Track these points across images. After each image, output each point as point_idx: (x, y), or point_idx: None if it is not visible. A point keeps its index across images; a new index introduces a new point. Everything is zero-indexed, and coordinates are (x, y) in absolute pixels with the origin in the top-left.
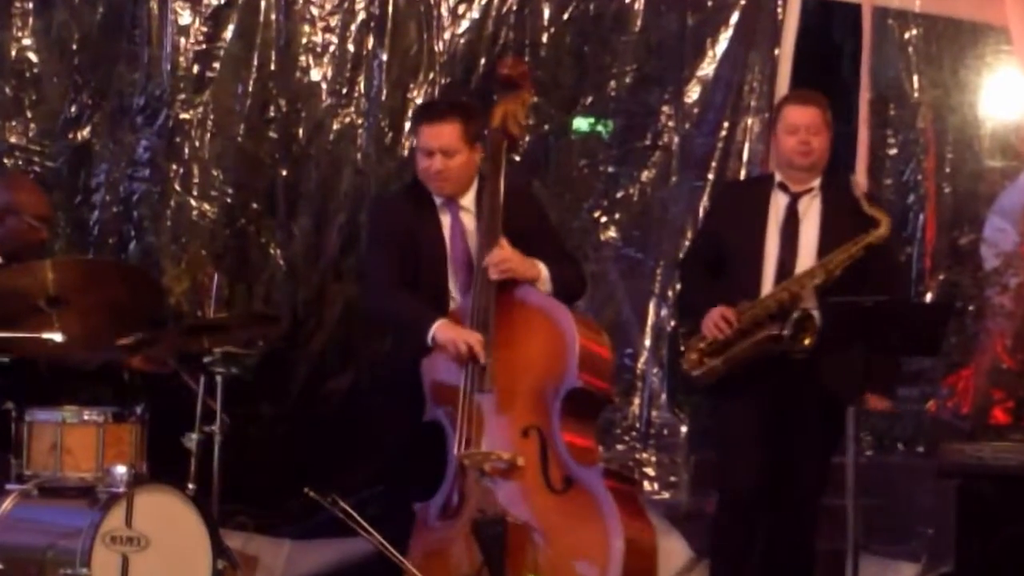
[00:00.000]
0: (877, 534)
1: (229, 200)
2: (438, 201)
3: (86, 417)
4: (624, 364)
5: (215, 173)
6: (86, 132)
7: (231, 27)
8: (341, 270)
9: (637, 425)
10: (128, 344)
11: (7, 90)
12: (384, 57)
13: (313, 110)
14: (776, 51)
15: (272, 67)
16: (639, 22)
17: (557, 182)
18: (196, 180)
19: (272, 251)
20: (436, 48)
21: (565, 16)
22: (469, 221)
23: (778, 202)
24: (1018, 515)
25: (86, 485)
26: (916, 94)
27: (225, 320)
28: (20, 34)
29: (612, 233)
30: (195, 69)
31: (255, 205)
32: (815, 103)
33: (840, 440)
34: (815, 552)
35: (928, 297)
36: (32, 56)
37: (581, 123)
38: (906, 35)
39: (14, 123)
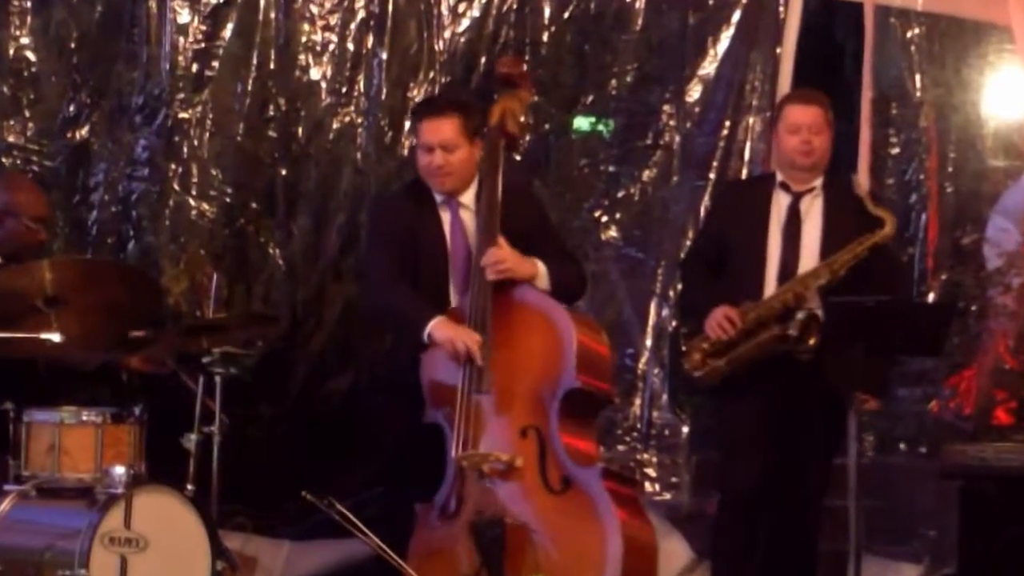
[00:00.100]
0: (879, 535)
1: (228, 200)
2: (438, 199)
3: (84, 418)
4: (625, 364)
5: (214, 172)
6: (84, 131)
7: (230, 26)
8: (341, 270)
9: (638, 426)
10: (127, 344)
11: (5, 89)
12: (384, 56)
13: (313, 109)
14: (778, 50)
15: (271, 66)
16: (640, 21)
17: (558, 181)
18: (195, 180)
19: (271, 251)
20: (436, 47)
21: (566, 15)
22: (469, 219)
23: (780, 202)
24: (1021, 516)
25: (84, 486)
26: (918, 93)
27: (224, 320)
28: (18, 33)
29: (613, 233)
30: (194, 68)
31: (254, 205)
32: (817, 102)
33: (843, 440)
34: (817, 553)
35: (930, 297)
36: (30, 55)
37: (582, 122)
38: (908, 34)
39: (12, 122)
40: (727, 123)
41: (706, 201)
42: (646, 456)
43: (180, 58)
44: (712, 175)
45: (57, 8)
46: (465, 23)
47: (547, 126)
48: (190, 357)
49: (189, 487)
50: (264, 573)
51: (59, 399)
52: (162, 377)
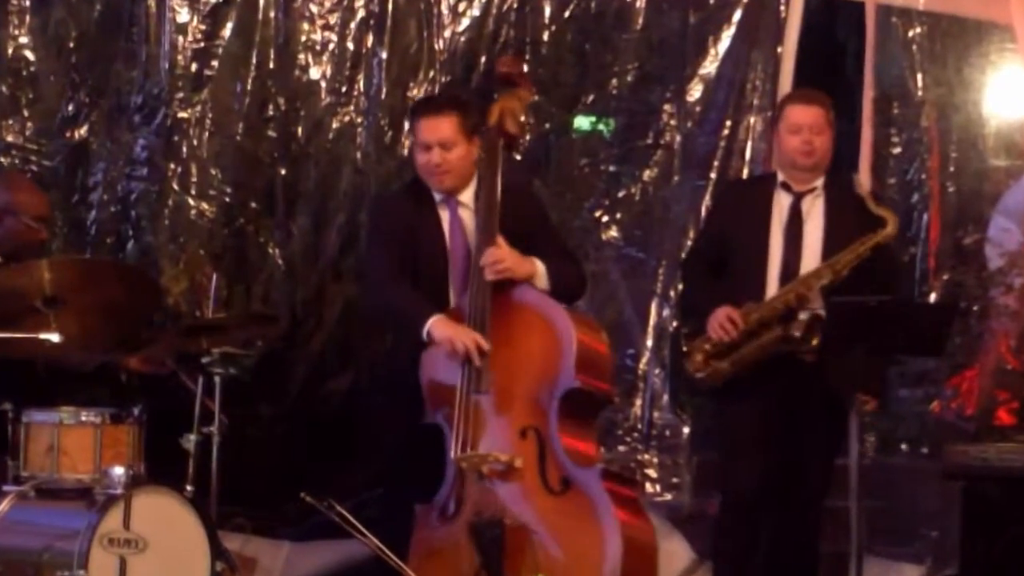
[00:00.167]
0: (881, 536)
1: (228, 199)
2: (437, 198)
3: (83, 418)
4: (626, 365)
5: (213, 172)
6: (83, 131)
7: (230, 25)
8: (340, 270)
9: (639, 426)
10: (126, 344)
11: (3, 89)
12: (384, 55)
13: (312, 109)
14: (779, 49)
15: (271, 65)
16: (641, 20)
17: (558, 181)
18: (194, 179)
19: (271, 251)
20: (436, 46)
21: (566, 14)
22: (468, 217)
23: (781, 202)
24: (1023, 517)
25: (83, 486)
26: (920, 92)
27: (223, 320)
28: (17, 32)
29: (614, 232)
30: (193, 67)
31: (254, 204)
32: (818, 102)
33: (844, 441)
34: (819, 554)
35: (932, 297)
36: (29, 54)
37: (582, 122)
38: (910, 33)
39: (11, 122)
40: (728, 123)
41: (707, 201)
42: (647, 457)
43: (179, 57)
44: (713, 175)
45: (56, 7)
46: (465, 22)
47: (547, 125)
48: (189, 357)
49: (188, 488)
50: (264, 574)
51: (58, 399)
52: (161, 377)
